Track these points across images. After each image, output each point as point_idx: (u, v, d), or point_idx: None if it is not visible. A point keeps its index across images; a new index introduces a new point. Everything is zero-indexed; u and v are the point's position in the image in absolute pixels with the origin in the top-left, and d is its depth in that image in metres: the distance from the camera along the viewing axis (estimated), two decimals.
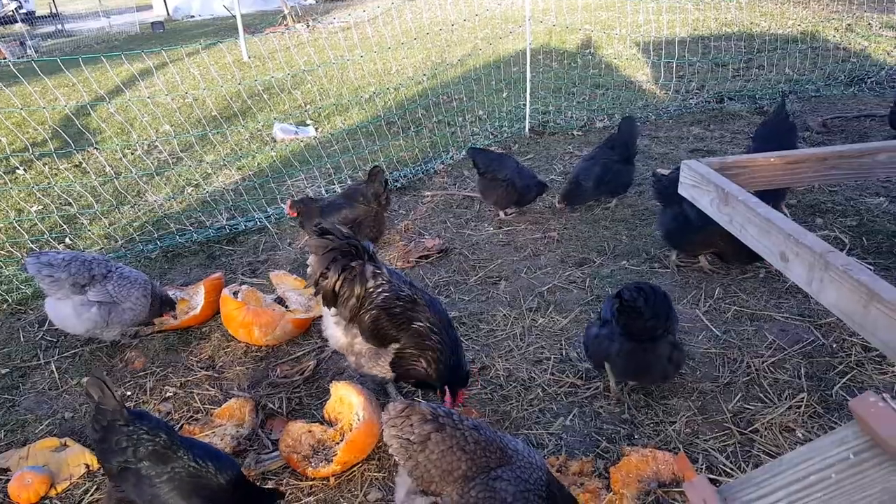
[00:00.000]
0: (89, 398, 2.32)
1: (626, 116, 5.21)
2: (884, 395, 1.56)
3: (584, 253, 4.45)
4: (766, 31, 9.33)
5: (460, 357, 2.96)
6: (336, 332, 2.97)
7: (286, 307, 3.93)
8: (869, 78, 7.44)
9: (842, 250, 4.06)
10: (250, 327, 3.62)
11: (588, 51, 9.84)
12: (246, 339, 3.69)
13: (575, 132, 6.90)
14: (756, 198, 2.45)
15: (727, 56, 8.19)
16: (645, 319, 2.80)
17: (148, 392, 3.42)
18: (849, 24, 9.41)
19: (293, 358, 3.61)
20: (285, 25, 15.21)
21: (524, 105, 6.98)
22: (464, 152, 6.43)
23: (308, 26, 14.22)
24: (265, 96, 6.75)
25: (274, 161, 6.62)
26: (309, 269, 2.90)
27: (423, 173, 6.10)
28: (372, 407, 2.86)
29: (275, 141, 7.33)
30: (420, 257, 4.49)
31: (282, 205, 5.49)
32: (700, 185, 2.77)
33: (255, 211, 5.41)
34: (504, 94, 7.59)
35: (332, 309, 2.92)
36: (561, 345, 3.49)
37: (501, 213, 5.15)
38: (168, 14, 24.72)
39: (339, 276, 2.83)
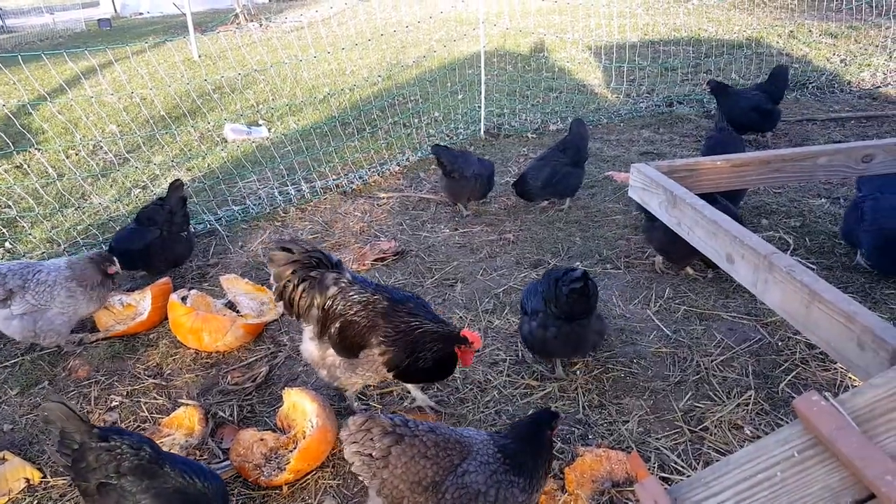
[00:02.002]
0: (48, 425, 2.18)
1: (577, 119, 5.28)
2: (825, 394, 1.60)
3: (539, 254, 4.48)
4: (713, 37, 9.61)
5: (443, 321, 2.87)
6: (309, 346, 2.93)
7: (237, 312, 3.84)
8: (810, 83, 7.74)
9: (786, 251, 4.20)
10: (199, 333, 3.52)
11: (541, 54, 9.95)
12: (195, 346, 3.58)
13: (529, 135, 6.95)
14: (703, 200, 2.51)
15: (676, 61, 8.39)
16: (589, 299, 3.01)
17: (93, 402, 3.29)
18: (791, 31, 9.77)
19: (245, 364, 3.52)
20: (237, 24, 14.89)
21: (479, 107, 7.00)
22: (420, 154, 6.41)
23: (261, 25, 13.96)
24: (216, 96, 6.58)
25: (225, 162, 6.46)
26: (272, 282, 2.87)
27: (378, 175, 6.05)
28: (326, 413, 2.81)
29: (226, 141, 7.16)
30: (376, 260, 4.44)
31: (233, 206, 5.37)
32: (649, 188, 2.81)
33: (205, 213, 5.27)
34: (459, 96, 7.60)
35: (306, 324, 2.89)
36: (517, 347, 3.50)
37: (464, 210, 5.17)
38: (115, 11, 23.91)
39: (297, 286, 2.79)
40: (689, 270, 4.10)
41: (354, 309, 2.78)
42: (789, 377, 3.14)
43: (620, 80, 7.59)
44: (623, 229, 4.76)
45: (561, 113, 7.32)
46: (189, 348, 3.64)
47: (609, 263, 4.30)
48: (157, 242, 4.18)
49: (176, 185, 4.24)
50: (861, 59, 8.49)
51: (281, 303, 2.89)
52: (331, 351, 2.85)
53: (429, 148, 6.48)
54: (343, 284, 2.81)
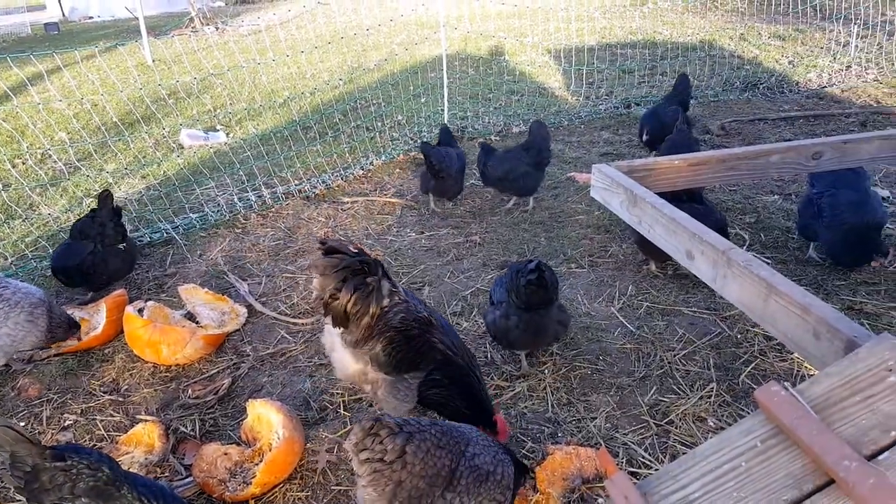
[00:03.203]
0: None
1: (536, 120, 5.35)
2: (785, 383, 1.65)
3: (506, 256, 4.50)
4: (668, 40, 9.83)
5: (482, 381, 2.79)
6: (344, 356, 2.72)
7: (197, 323, 3.74)
8: (761, 84, 7.98)
9: (742, 246, 4.32)
10: (157, 346, 3.42)
11: (502, 58, 10.03)
12: (153, 359, 3.48)
13: (493, 137, 6.99)
14: (662, 199, 2.56)
15: (633, 63, 8.56)
16: (548, 289, 3.08)
17: (45, 422, 3.16)
18: (742, 34, 10.07)
19: (206, 377, 3.44)
20: (192, 28, 14.59)
21: (442, 110, 7.01)
22: (384, 157, 6.38)
23: (217, 29, 13.70)
24: (171, 101, 6.42)
25: (181, 169, 6.31)
26: (315, 291, 2.63)
27: (342, 179, 5.99)
28: (293, 424, 2.76)
29: (182, 147, 7.00)
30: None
31: (191, 214, 5.25)
32: (610, 188, 2.86)
33: (162, 222, 5.14)
34: (422, 100, 7.60)
35: (338, 330, 2.67)
36: (486, 348, 3.50)
37: (435, 206, 5.26)
38: (63, 15, 23.17)
39: (351, 294, 2.53)
40: (653, 267, 4.17)
41: (410, 326, 2.64)
42: (749, 369, 3.22)
43: (580, 83, 7.70)
44: (586, 229, 4.82)
45: (523, 115, 7.39)
46: (147, 362, 3.53)
47: (573, 263, 4.35)
48: (90, 258, 4.01)
49: (104, 196, 4.08)
50: (807, 60, 8.80)
51: (323, 310, 2.64)
52: (371, 366, 2.68)
53: (392, 152, 6.47)
54: (398, 298, 2.66)
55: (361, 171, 6.19)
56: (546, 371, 3.30)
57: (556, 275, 3.23)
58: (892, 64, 8.02)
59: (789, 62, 8.88)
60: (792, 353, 3.30)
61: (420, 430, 2.10)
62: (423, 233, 4.94)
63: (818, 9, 8.68)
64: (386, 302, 2.61)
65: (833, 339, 1.78)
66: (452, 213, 5.29)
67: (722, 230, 3.67)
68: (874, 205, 3.89)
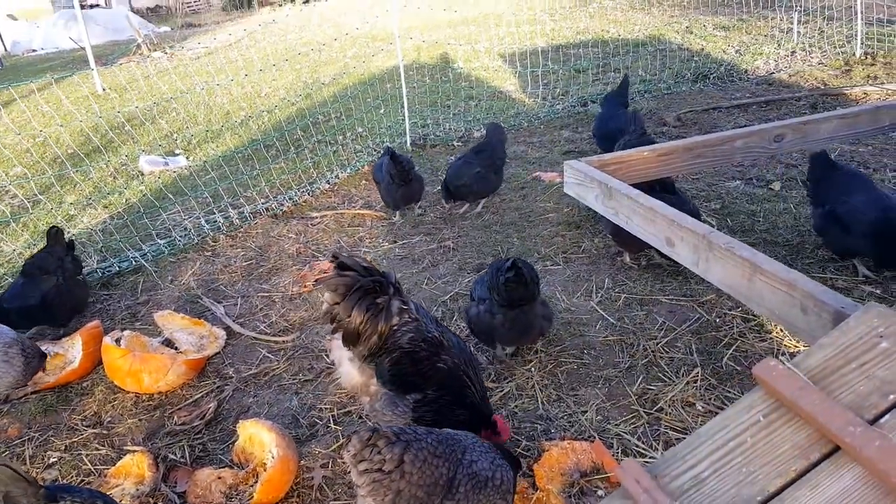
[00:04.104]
0: None
1: (492, 123, 5.41)
2: (781, 357, 1.69)
3: (480, 258, 4.51)
4: (616, 37, 10.04)
5: (483, 390, 2.79)
6: (350, 369, 2.70)
7: (176, 349, 3.65)
8: (711, 74, 8.21)
9: None
10: (138, 375, 3.32)
11: (456, 65, 10.10)
12: (135, 389, 3.38)
13: (455, 143, 7.03)
14: (637, 190, 2.62)
15: (585, 62, 8.72)
16: (527, 285, 3.10)
17: (28, 461, 3.03)
18: (687, 27, 10.37)
19: (191, 402, 3.35)
20: (140, 54, 14.29)
21: (403, 120, 7.01)
22: (348, 170, 6.35)
23: (166, 53, 13.45)
24: (128, 127, 6.25)
25: (145, 195, 6.16)
26: (325, 307, 2.59)
27: (309, 194, 5.93)
28: (286, 442, 2.71)
29: (142, 174, 6.84)
30: (317, 281, 4.35)
31: (158, 240, 5.12)
32: (584, 183, 2.92)
33: (129, 250, 4.99)
34: (382, 111, 7.59)
35: (352, 346, 2.64)
36: (473, 355, 3.50)
37: (399, 217, 5.29)
38: (6, 49, 22.39)
39: (363, 315, 2.52)
40: (627, 259, 4.24)
41: (419, 346, 2.61)
42: (730, 351, 3.28)
43: (536, 85, 7.80)
44: (557, 226, 4.87)
45: (483, 120, 7.44)
46: (128, 392, 3.42)
47: (549, 260, 4.39)
48: (54, 291, 3.92)
49: (55, 232, 4.05)
50: (753, 48, 9.11)
51: (332, 327, 2.61)
52: (375, 379, 2.66)
53: (357, 164, 6.44)
54: (407, 317, 2.63)
55: (328, 185, 6.13)
56: (533, 369, 3.32)
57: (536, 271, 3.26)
58: (835, 47, 8.35)
59: (736, 51, 9.18)
60: (770, 333, 3.38)
61: (417, 439, 2.10)
62: (395, 242, 4.92)
63: None
64: (395, 321, 2.59)
65: (821, 312, 1.84)
66: (423, 221, 5.29)
67: (695, 218, 3.73)
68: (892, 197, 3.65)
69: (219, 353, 3.71)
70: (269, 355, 3.68)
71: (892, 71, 7.52)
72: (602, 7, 11.10)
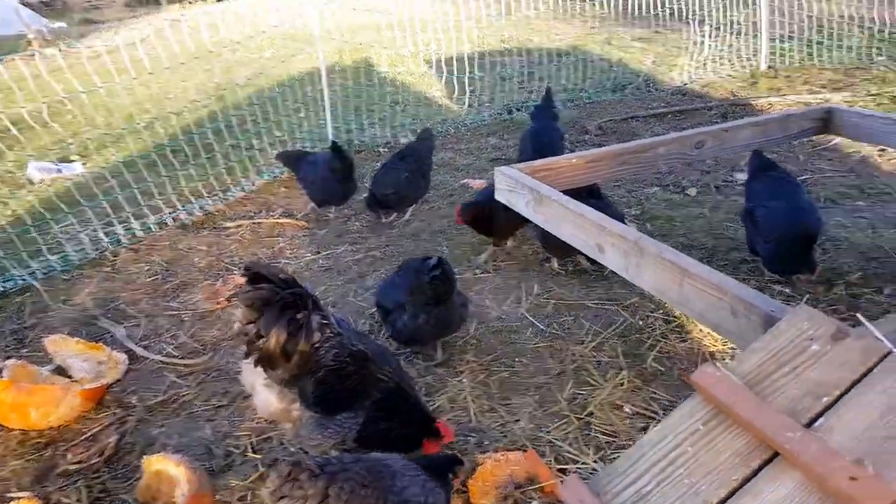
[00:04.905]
0: None
1: (424, 129, 5.35)
2: (716, 363, 1.67)
3: None
4: (540, 46, 10.21)
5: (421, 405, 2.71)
6: (268, 396, 2.47)
7: (70, 378, 3.30)
8: (630, 84, 8.48)
9: None
10: (24, 409, 2.95)
11: (381, 69, 9.96)
12: (21, 426, 3.01)
13: (380, 149, 6.89)
14: (567, 196, 2.60)
15: (510, 70, 8.82)
16: (452, 281, 3.18)
17: None
18: (607, 38, 10.70)
19: (87, 437, 3.00)
20: (31, 51, 13.27)
21: (325, 124, 6.81)
22: (266, 176, 6.08)
23: (61, 51, 12.52)
24: (14, 131, 5.69)
25: (33, 206, 5.60)
26: (236, 326, 2.36)
27: (222, 203, 5.62)
28: (197, 477, 2.48)
29: (31, 182, 6.27)
30: (232, 296, 4.08)
31: (49, 256, 4.66)
32: (515, 189, 2.87)
33: (15, 268, 4.51)
34: (302, 114, 7.33)
35: (269, 370, 2.42)
36: (401, 364, 3.38)
37: (315, 217, 5.24)
38: None
39: (280, 334, 2.30)
40: (555, 265, 4.24)
41: (344, 362, 2.45)
42: (654, 353, 3.32)
43: (462, 91, 7.79)
44: None
45: (409, 126, 7.35)
46: (13, 429, 3.03)
47: (478, 268, 4.34)
48: None
49: None
50: (668, 60, 9.49)
51: (245, 349, 2.39)
52: (298, 404, 2.47)
53: (275, 170, 6.16)
54: (329, 332, 2.45)
55: (243, 193, 5.83)
56: (465, 379, 3.24)
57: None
58: (742, 60, 8.79)
59: (653, 62, 9.54)
60: (690, 334, 3.46)
61: (343, 469, 2.00)
62: (319, 252, 4.73)
63: (674, 13, 9.37)
64: (317, 337, 2.40)
65: (750, 315, 1.85)
66: (348, 230, 5.11)
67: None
68: (808, 215, 3.73)
69: (120, 380, 3.37)
70: (178, 380, 3.40)
71: (792, 83, 8.01)
72: (526, 16, 11.27)
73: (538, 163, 2.92)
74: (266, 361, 2.38)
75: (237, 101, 7.08)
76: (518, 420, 2.95)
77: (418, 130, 6.67)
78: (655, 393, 3.06)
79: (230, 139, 6.17)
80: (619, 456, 2.70)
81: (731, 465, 1.52)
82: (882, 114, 5.01)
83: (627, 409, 2.97)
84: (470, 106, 7.91)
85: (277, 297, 2.32)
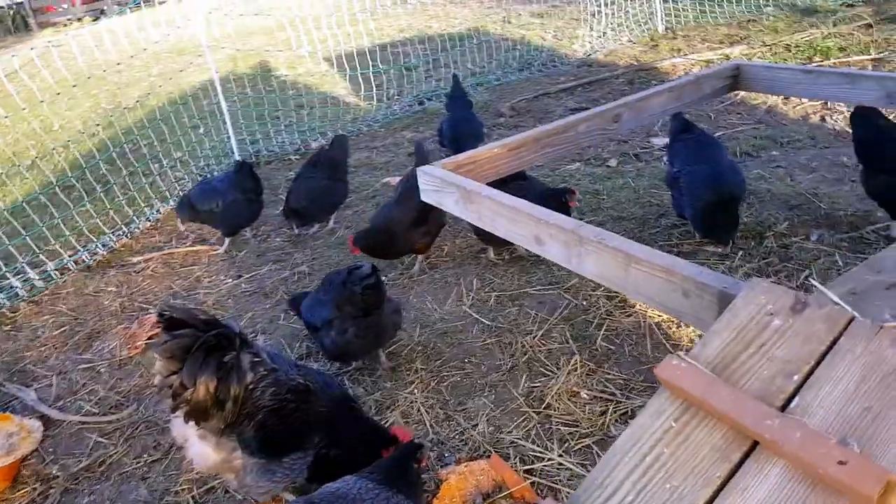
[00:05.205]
0: None
1: (338, 135, 5.11)
2: (680, 353, 1.58)
3: None
4: (440, 32, 10.06)
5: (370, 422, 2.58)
6: (204, 449, 2.25)
7: None
8: (535, 61, 8.47)
9: None
10: None
11: (279, 73, 9.57)
12: None
13: (292, 157, 6.58)
14: (498, 191, 2.47)
15: (414, 60, 8.63)
16: (383, 289, 3.07)
17: None
18: (504, 17, 10.67)
19: None
20: None
21: (228, 138, 6.42)
22: (172, 202, 5.67)
23: None
24: None
25: None
26: (157, 379, 2.10)
27: (127, 237, 5.19)
28: None
29: None
30: (150, 338, 3.75)
31: None
32: (441, 189, 2.72)
33: None
34: (201, 130, 6.90)
35: (202, 422, 2.19)
36: (344, 383, 3.19)
37: (227, 247, 4.86)
38: None
39: (212, 382, 2.09)
40: (491, 255, 4.14)
41: (285, 400, 2.27)
42: (602, 332, 3.29)
43: (368, 87, 7.56)
44: None
45: (319, 129, 7.06)
46: None
47: (408, 270, 4.18)
48: None
49: None
50: (568, 33, 9.57)
51: (171, 402, 2.13)
52: (239, 452, 2.26)
53: (181, 194, 5.74)
54: (263, 370, 2.24)
55: (149, 223, 5.42)
56: (416, 390, 3.10)
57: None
58: (640, 25, 8.95)
59: (554, 37, 9.59)
60: (634, 307, 3.43)
61: None
62: (240, 276, 4.43)
63: None
64: (250, 378, 2.19)
65: (703, 294, 1.77)
66: (269, 248, 4.82)
67: (554, 197, 3.74)
68: (729, 178, 3.72)
69: (36, 450, 3.04)
70: (102, 439, 3.09)
71: (691, 42, 8.22)
72: (421, 3, 11.11)
73: (461, 157, 2.78)
74: (197, 414, 2.15)
75: (128, 125, 6.56)
76: (476, 425, 2.84)
77: (328, 132, 6.43)
78: (609, 373, 3.02)
79: (126, 168, 5.70)
80: (582, 446, 2.68)
81: (712, 461, 1.43)
82: (785, 65, 5.20)
83: (585, 395, 2.92)
84: (379, 101, 7.69)
85: (199, 341, 2.09)
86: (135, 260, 4.84)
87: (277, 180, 6.03)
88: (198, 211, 4.68)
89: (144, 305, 4.22)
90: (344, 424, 2.45)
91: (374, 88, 7.59)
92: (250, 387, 2.20)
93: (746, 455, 1.41)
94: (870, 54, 6.50)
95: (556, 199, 3.75)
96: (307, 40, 7.83)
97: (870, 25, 7.28)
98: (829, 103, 5.48)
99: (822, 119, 5.42)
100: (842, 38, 7.08)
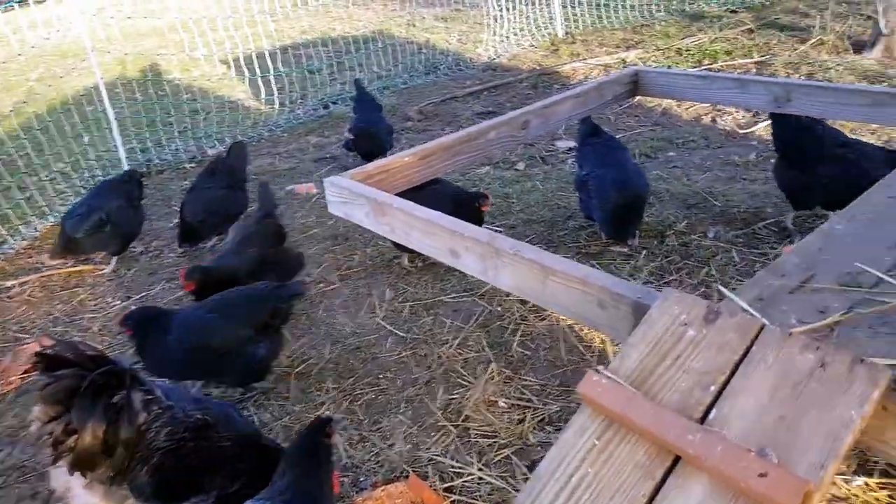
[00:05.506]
0: None
1: (236, 141, 4.86)
2: (599, 368, 1.55)
3: None
4: (343, 35, 9.86)
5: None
6: (90, 500, 2.07)
7: None
8: (441, 65, 8.47)
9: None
10: None
11: (172, 76, 9.04)
12: None
13: (187, 165, 6.19)
14: (411, 202, 2.37)
15: (317, 63, 8.40)
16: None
17: None
18: (409, 20, 10.61)
19: None
20: None
21: (116, 147, 5.96)
22: (52, 218, 5.18)
23: None
24: None
25: None
26: (34, 427, 1.84)
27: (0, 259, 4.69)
28: None
29: None
30: (25, 373, 3.36)
31: None
32: (350, 201, 2.58)
33: None
34: (85, 139, 6.37)
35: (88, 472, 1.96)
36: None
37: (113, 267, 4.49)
38: None
39: (100, 427, 1.88)
40: (405, 262, 4.04)
41: (182, 439, 2.10)
42: (517, 337, 3.27)
43: (270, 91, 7.26)
44: (324, 242, 4.50)
45: (216, 135, 6.69)
46: None
47: (322, 282, 4.01)
48: None
49: None
50: (472, 37, 9.64)
51: (53, 450, 1.88)
52: (132, 501, 2.08)
53: (62, 208, 5.25)
54: (157, 408, 2.04)
55: (25, 243, 4.92)
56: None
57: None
58: (540, 29, 9.13)
59: (458, 41, 9.63)
60: (548, 311, 3.44)
61: None
62: (130, 297, 4.09)
63: None
64: (142, 419, 2.01)
65: (619, 305, 1.75)
66: (162, 265, 4.49)
67: (467, 202, 3.77)
68: (636, 181, 3.83)
69: None
70: None
71: (589, 47, 8.48)
72: (323, 5, 10.85)
73: (370, 167, 2.67)
74: (83, 464, 1.92)
75: (2, 135, 5.96)
76: (393, 444, 2.74)
77: (227, 138, 6.11)
78: (526, 379, 3.02)
79: None
80: (502, 457, 2.63)
81: (636, 479, 1.40)
82: (681, 71, 5.43)
83: (503, 404, 2.89)
84: (281, 105, 7.41)
85: (85, 382, 1.86)
86: (8, 284, 4.37)
87: (172, 191, 5.65)
88: (77, 240, 4.23)
89: (20, 335, 3.81)
90: (249, 458, 2.27)
91: (276, 92, 7.32)
92: (143, 428, 2.02)
93: (669, 471, 1.38)
94: (753, 57, 6.95)
95: (469, 204, 3.73)
96: (202, 42, 7.44)
97: (752, 30, 7.79)
98: (718, 105, 5.80)
99: (713, 120, 5.72)
100: (727, 43, 7.54)
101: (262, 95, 7.32)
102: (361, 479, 2.59)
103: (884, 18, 6.32)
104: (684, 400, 1.44)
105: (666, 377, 1.49)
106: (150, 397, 2.05)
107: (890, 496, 2.21)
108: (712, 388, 1.43)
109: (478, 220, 3.65)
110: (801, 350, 1.39)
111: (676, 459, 1.37)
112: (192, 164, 6.20)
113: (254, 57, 7.33)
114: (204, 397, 2.51)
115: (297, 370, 3.23)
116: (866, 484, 2.25)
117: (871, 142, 4.39)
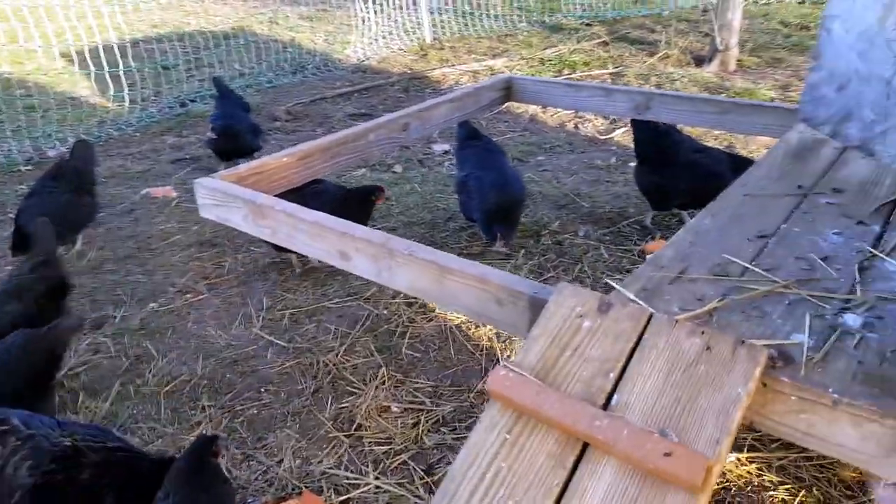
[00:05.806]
0: None
1: (80, 140, 4.39)
2: (505, 363, 1.57)
3: (98, 309, 3.58)
4: (200, 30, 9.30)
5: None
6: None
7: None
8: (308, 65, 8.24)
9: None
10: None
11: (2, 69, 8.02)
12: None
13: (23, 168, 5.50)
14: (296, 205, 2.27)
15: (172, 58, 7.84)
16: None
17: None
18: (271, 18, 10.23)
19: None
20: None
21: None
22: None
23: None
24: None
25: None
26: None
27: None
28: None
29: None
30: None
31: None
32: (225, 203, 2.42)
33: None
34: None
35: None
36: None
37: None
38: None
39: None
40: (294, 261, 3.87)
41: (50, 471, 1.87)
42: (406, 340, 3.25)
43: (119, 87, 6.64)
44: (189, 249, 4.18)
45: (57, 135, 6.01)
46: None
47: (189, 292, 3.72)
48: None
49: None
50: (340, 38, 9.48)
51: None
52: None
53: None
54: (15, 440, 1.82)
55: None
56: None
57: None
58: (409, 34, 9.20)
59: (325, 41, 9.43)
60: (434, 311, 3.46)
61: None
62: None
63: None
64: None
65: (516, 301, 1.79)
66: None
67: (359, 196, 3.72)
68: (514, 183, 3.92)
69: None
70: None
71: (457, 53, 8.68)
72: None
73: (244, 167, 2.52)
74: None
75: None
76: (281, 460, 2.60)
77: (70, 138, 5.51)
78: (417, 381, 2.99)
79: None
80: (398, 464, 2.59)
81: (549, 469, 1.43)
82: (551, 79, 5.71)
83: (395, 409, 2.85)
84: (132, 102, 6.82)
85: None
86: None
87: (6, 195, 4.99)
88: None
89: None
90: (134, 480, 2.06)
91: (126, 88, 6.72)
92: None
93: (580, 458, 1.43)
94: (608, 68, 7.49)
95: (362, 199, 3.66)
96: (38, 33, 6.65)
97: (606, 43, 8.39)
98: (579, 112, 6.17)
99: (576, 126, 6.08)
100: (585, 54, 8.06)
101: (111, 92, 6.69)
102: (249, 500, 2.43)
103: (719, 36, 7.09)
104: (587, 388, 1.49)
105: (568, 367, 1.55)
106: (4, 428, 1.80)
107: (759, 468, 2.45)
108: (612, 375, 1.50)
109: (368, 217, 3.62)
110: (688, 335, 1.50)
111: (585, 446, 1.42)
112: (29, 167, 5.51)
113: (100, 50, 6.68)
114: (68, 420, 2.21)
115: (165, 389, 2.97)
116: (738, 459, 2.48)
117: (716, 146, 4.91)
